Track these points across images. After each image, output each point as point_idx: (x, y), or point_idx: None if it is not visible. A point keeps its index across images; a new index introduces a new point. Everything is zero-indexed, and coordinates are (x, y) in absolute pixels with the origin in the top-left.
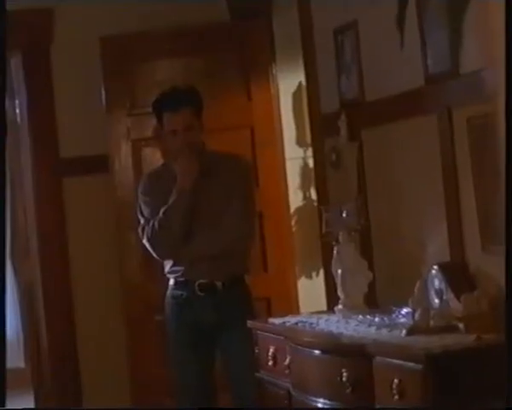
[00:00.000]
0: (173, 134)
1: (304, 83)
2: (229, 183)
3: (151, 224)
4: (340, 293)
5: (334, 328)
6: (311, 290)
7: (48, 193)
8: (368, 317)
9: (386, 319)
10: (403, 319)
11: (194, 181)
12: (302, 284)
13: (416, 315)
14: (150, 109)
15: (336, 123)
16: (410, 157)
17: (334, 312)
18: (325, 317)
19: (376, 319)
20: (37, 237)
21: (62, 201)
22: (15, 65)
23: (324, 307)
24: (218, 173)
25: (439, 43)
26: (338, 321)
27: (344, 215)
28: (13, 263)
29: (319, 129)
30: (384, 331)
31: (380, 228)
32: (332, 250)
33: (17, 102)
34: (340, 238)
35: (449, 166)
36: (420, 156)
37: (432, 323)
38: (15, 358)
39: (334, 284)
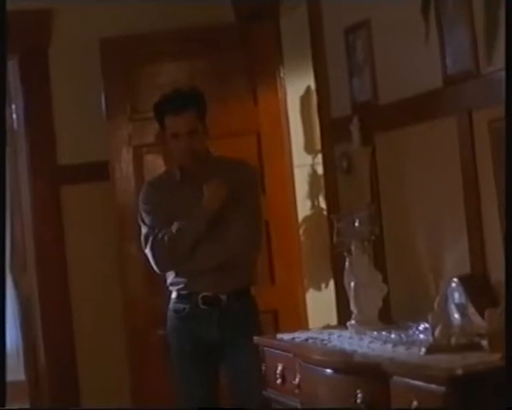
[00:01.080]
0: (176, 138)
1: (312, 87)
2: (234, 190)
3: (159, 236)
4: (352, 307)
5: (346, 345)
6: (320, 303)
7: (45, 202)
8: (383, 333)
9: (402, 335)
10: (421, 336)
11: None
12: (310, 296)
13: (436, 332)
14: (152, 114)
15: (348, 127)
16: (427, 163)
17: (346, 327)
18: (337, 333)
19: (392, 336)
20: (35, 249)
21: (60, 210)
22: (12, 68)
23: (334, 321)
24: (222, 178)
25: (459, 41)
26: (351, 337)
27: (356, 224)
28: (13, 275)
29: (329, 134)
30: (401, 349)
31: (394, 238)
32: (343, 261)
33: (14, 106)
34: (353, 249)
35: (469, 173)
36: (437, 162)
37: (453, 340)
38: (15, 371)
39: (346, 298)
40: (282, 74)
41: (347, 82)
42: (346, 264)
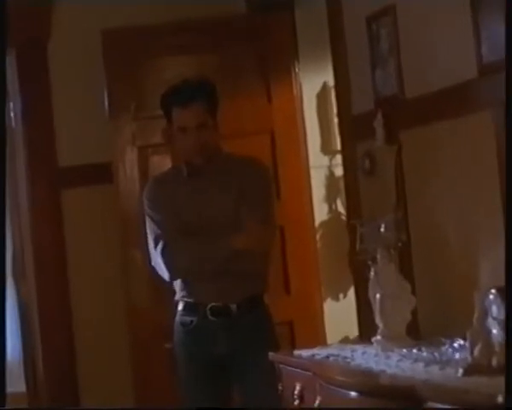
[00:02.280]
0: (183, 132)
1: (329, 83)
2: (246, 189)
3: (173, 244)
4: (378, 321)
5: (373, 364)
6: (337, 314)
7: (45, 206)
8: (414, 351)
9: (435, 354)
10: (456, 355)
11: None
12: (328, 306)
13: (476, 351)
14: (159, 112)
15: (371, 124)
16: (459, 162)
17: (370, 342)
18: (361, 349)
19: (424, 354)
20: (33, 255)
21: (61, 214)
22: (9, 63)
23: (353, 332)
24: (234, 176)
25: (496, 26)
26: (377, 355)
27: (382, 230)
28: (15, 282)
29: (350, 132)
30: (435, 369)
31: (422, 244)
32: (366, 270)
33: (11, 104)
34: (379, 257)
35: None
36: (471, 161)
37: (494, 361)
38: (16, 382)
39: (368, 309)
40: (297, 69)
41: (370, 75)
42: (371, 274)
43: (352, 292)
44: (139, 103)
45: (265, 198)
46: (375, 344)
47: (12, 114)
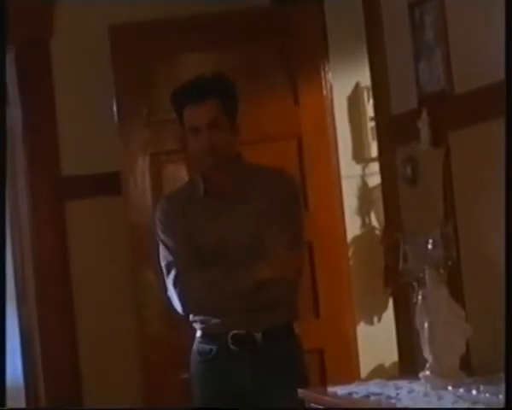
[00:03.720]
0: (195, 133)
1: (362, 84)
2: (270, 204)
3: (189, 275)
4: (427, 354)
5: (422, 405)
6: (372, 339)
7: (47, 219)
8: (473, 392)
9: (500, 395)
10: None
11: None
12: (361, 331)
13: None
14: (173, 116)
15: (414, 125)
16: None
17: (415, 376)
18: (406, 386)
19: (487, 395)
20: (34, 273)
21: (64, 229)
22: (9, 64)
23: (389, 360)
24: (256, 192)
25: None
26: (426, 395)
27: (429, 247)
28: (16, 302)
29: (389, 135)
30: None
31: (475, 263)
32: (409, 293)
33: (10, 108)
34: (427, 278)
35: None
36: None
37: None
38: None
39: (410, 337)
40: (326, 68)
41: (413, 68)
42: (419, 298)
43: (387, 315)
44: (151, 106)
45: (294, 218)
46: (423, 380)
47: (11, 119)
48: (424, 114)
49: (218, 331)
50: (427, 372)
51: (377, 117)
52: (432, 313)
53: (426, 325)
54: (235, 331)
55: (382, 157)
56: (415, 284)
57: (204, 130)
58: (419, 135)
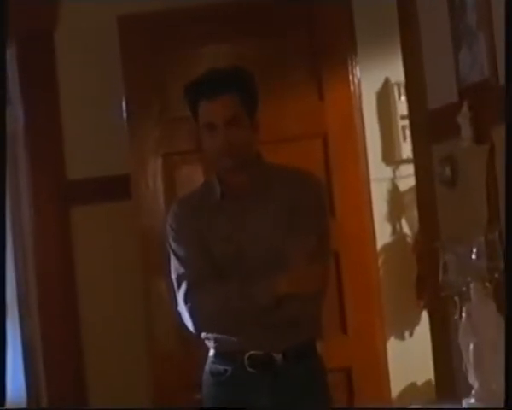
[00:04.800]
0: (210, 130)
1: (392, 79)
2: (293, 209)
3: (202, 289)
4: (472, 378)
5: None
6: (402, 355)
7: (51, 226)
8: None
9: None
10: None
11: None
12: (391, 346)
13: None
14: (187, 113)
15: (453, 120)
16: None
17: (456, 401)
18: None
19: None
20: (37, 284)
21: (70, 236)
22: (9, 59)
23: (421, 377)
24: (278, 195)
25: None
26: None
27: (473, 257)
28: (19, 316)
29: (425, 131)
30: None
31: None
32: (450, 307)
33: (12, 106)
34: (472, 293)
35: None
36: None
37: None
38: None
39: (446, 356)
40: (354, 62)
41: (452, 57)
42: (462, 315)
43: (419, 330)
44: (163, 103)
45: (319, 224)
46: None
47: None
48: (465, 108)
49: (234, 351)
50: (472, 400)
51: (411, 112)
52: (478, 332)
53: (471, 346)
54: (252, 352)
55: (417, 157)
56: (456, 298)
57: (220, 127)
58: (459, 131)
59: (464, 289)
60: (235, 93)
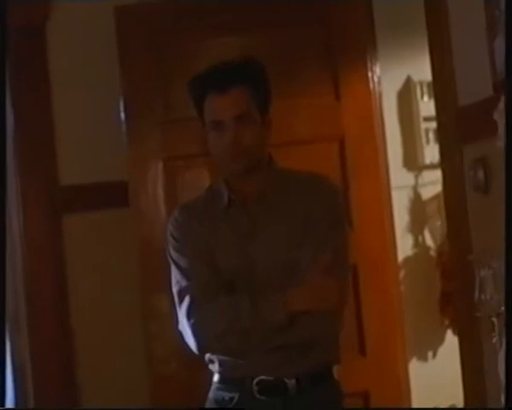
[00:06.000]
0: (218, 128)
1: (415, 78)
2: (307, 218)
3: (206, 304)
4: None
5: None
6: (425, 378)
7: (42, 235)
8: None
9: None
10: None
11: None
12: (413, 368)
13: None
14: (191, 113)
15: (488, 117)
16: None
17: None
18: None
19: None
20: (26, 298)
21: (62, 247)
22: None
23: (444, 402)
24: (291, 203)
25: None
26: None
27: None
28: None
29: (453, 132)
30: None
31: None
32: (476, 325)
33: None
34: None
35: None
36: None
37: None
38: None
39: (480, 385)
40: (373, 59)
41: (486, 47)
42: (503, 342)
43: (443, 350)
44: (165, 102)
45: (336, 236)
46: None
47: None
48: (501, 105)
49: (241, 376)
50: None
51: (439, 110)
52: None
53: None
54: (262, 377)
55: (445, 160)
56: (494, 319)
57: (229, 125)
58: (494, 129)
59: (503, 309)
60: (247, 86)
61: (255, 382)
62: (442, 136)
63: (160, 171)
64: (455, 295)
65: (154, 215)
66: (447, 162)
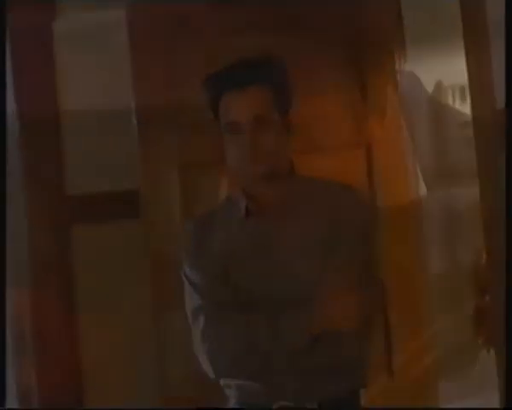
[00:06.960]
0: (235, 131)
1: (445, 83)
2: (332, 230)
3: (224, 327)
4: None
5: None
6: (456, 402)
7: (48, 248)
8: None
9: None
10: None
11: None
12: (443, 390)
13: None
14: (207, 116)
15: None
16: None
17: None
18: None
19: None
20: (32, 316)
21: (70, 259)
22: None
23: None
24: (314, 214)
25: None
26: None
27: None
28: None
29: (491, 136)
30: None
31: None
32: None
33: None
34: None
35: None
36: None
37: None
38: None
39: None
40: (403, 62)
41: None
42: None
43: (476, 371)
44: (180, 104)
45: (363, 249)
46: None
47: None
48: None
49: (260, 402)
50: None
51: (475, 113)
52: None
53: None
54: (282, 403)
55: (482, 167)
56: None
57: (247, 127)
58: None
59: None
60: (267, 85)
61: (274, 408)
62: (478, 141)
63: (175, 178)
64: (491, 312)
65: (167, 226)
66: (484, 169)
